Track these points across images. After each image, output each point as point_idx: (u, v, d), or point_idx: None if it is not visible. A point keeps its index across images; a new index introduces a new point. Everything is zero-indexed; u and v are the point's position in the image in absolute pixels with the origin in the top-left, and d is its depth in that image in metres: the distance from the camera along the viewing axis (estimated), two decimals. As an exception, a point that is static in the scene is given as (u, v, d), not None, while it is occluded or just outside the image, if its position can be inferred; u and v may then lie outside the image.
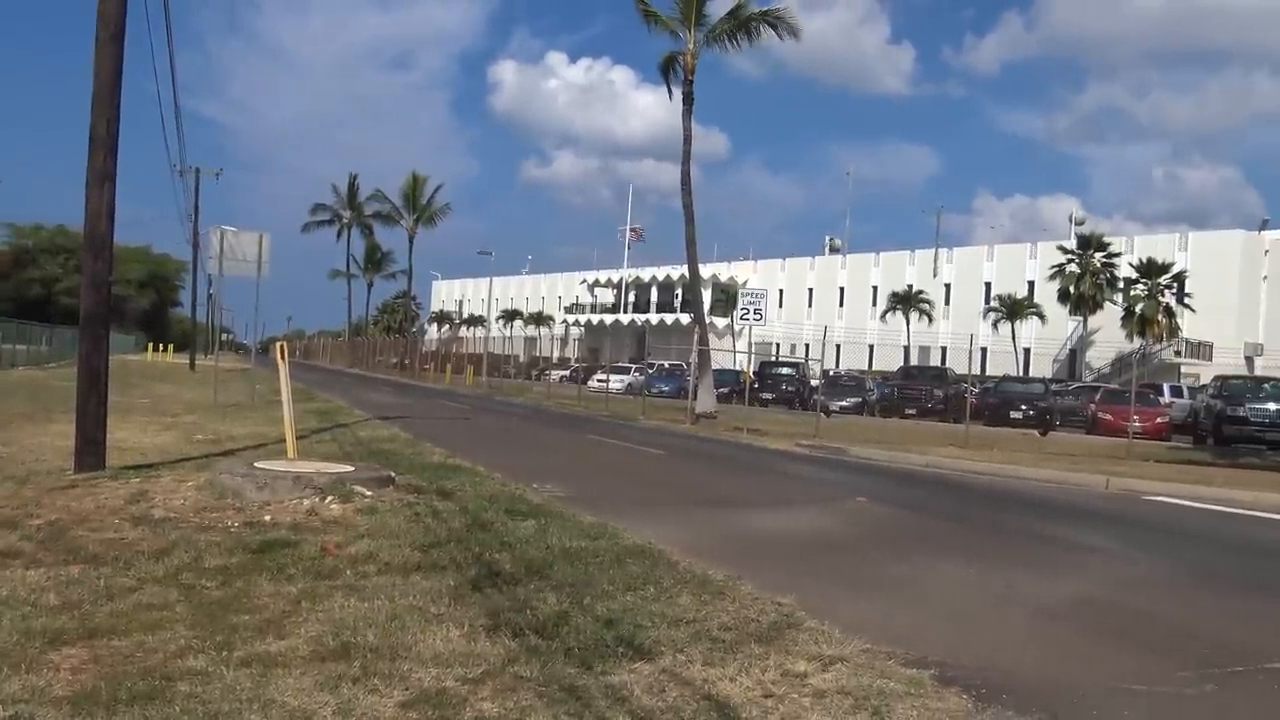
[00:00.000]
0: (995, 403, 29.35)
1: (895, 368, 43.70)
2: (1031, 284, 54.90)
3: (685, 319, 60.77)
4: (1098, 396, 30.01)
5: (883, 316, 57.85)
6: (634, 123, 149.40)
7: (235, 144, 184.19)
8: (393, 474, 8.30)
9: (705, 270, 54.95)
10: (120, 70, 8.48)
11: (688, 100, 25.07)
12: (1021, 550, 7.99)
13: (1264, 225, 54.33)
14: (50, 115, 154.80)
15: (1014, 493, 12.46)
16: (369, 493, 7.33)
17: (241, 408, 17.91)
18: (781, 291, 67.21)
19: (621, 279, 75.41)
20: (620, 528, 6.88)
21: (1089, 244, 47.88)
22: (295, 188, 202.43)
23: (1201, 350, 47.25)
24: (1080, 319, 49.33)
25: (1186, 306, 45.32)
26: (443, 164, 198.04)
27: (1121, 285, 46.79)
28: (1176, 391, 33.32)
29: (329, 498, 7.03)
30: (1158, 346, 46.38)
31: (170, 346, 63.94)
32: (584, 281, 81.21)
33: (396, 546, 5.81)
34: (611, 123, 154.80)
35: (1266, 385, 26.07)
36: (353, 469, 8.14)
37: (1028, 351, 51.53)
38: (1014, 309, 51.75)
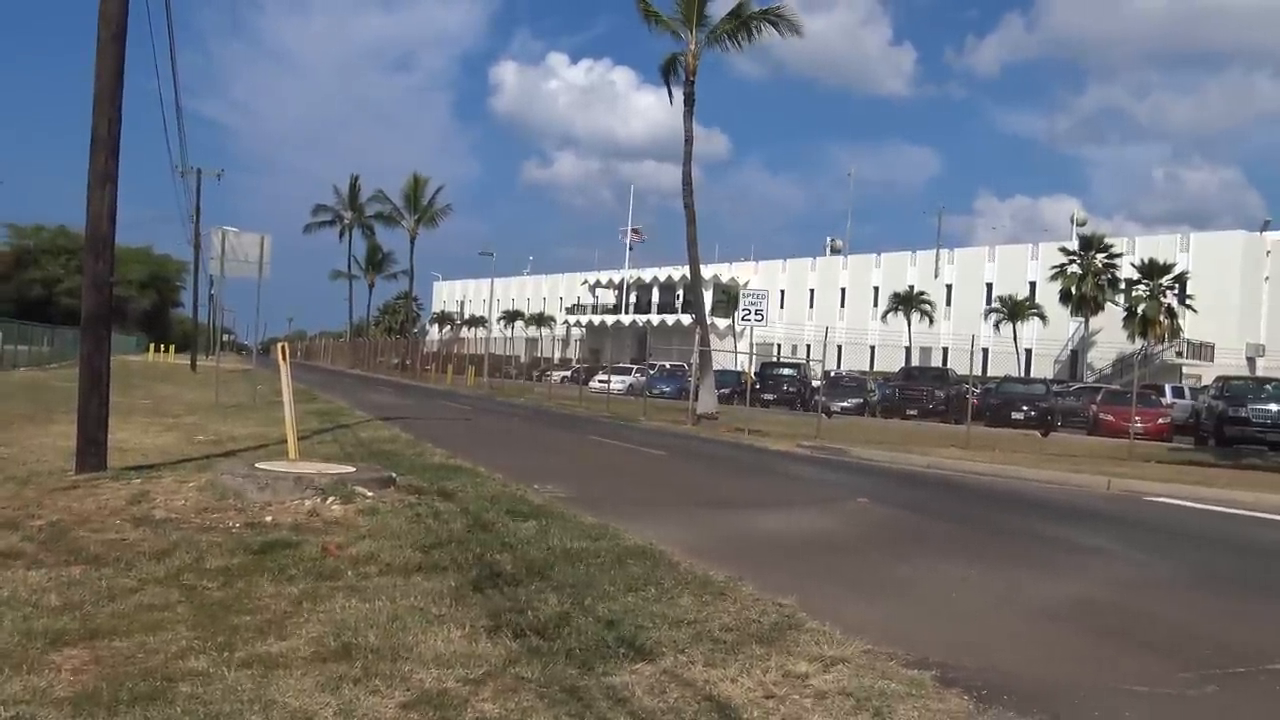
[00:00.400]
0: (997, 403, 29.31)
1: (897, 368, 43.67)
2: (1033, 285, 54.87)
3: (686, 320, 60.80)
4: (1099, 397, 29.99)
5: (884, 317, 57.86)
6: (635, 124, 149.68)
7: (237, 145, 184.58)
8: (394, 475, 8.29)
9: (706, 271, 54.98)
10: (122, 71, 8.49)
11: (689, 101, 25.05)
12: (1023, 551, 7.99)
13: (1265, 226, 54.33)
14: (52, 116, 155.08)
15: (1015, 493, 12.46)
16: (370, 494, 7.32)
17: (243, 408, 17.91)
18: (783, 292, 67.21)
19: (623, 280, 75.42)
20: (621, 528, 6.87)
21: (1090, 245, 47.85)
22: (297, 189, 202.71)
23: (1203, 351, 47.22)
24: (1081, 320, 49.30)
25: (1188, 307, 45.31)
26: (444, 165, 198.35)
27: (1123, 286, 46.76)
28: (1178, 392, 33.30)
29: (330, 498, 7.02)
30: (1159, 347, 46.35)
31: (172, 347, 64.00)
32: (585, 282, 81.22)
33: (398, 547, 5.81)
34: (612, 124, 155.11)
35: (1268, 386, 26.04)
36: (354, 470, 8.13)
37: (1029, 352, 51.49)
38: (1015, 310, 51.74)
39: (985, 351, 44.41)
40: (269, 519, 6.49)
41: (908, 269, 62.35)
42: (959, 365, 37.26)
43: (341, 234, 69.47)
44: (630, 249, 75.96)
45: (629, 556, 5.96)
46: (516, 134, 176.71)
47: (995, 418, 27.50)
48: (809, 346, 53.81)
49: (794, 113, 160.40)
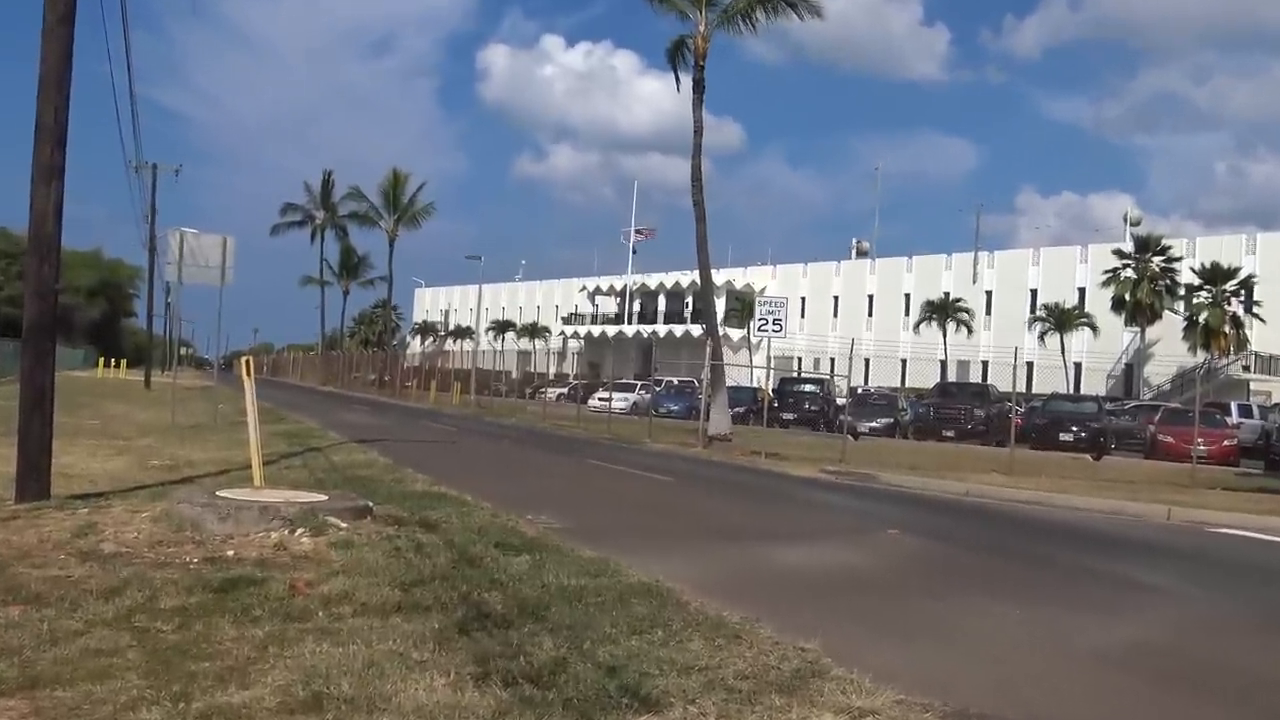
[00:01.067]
0: (1043, 423, 29.31)
1: (931, 384, 43.62)
2: (1082, 291, 54.88)
3: (696, 330, 60.79)
4: (1157, 417, 29.96)
5: (916, 327, 57.87)
6: (639, 113, 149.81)
7: (197, 137, 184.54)
8: (370, 504, 8.30)
9: (718, 276, 54.98)
10: (70, 55, 8.53)
11: (698, 88, 25.15)
12: (1072, 589, 7.97)
13: (1342, 225, 54.36)
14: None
15: (1064, 524, 12.43)
16: (344, 524, 7.33)
17: (202, 430, 17.95)
18: (804, 300, 67.30)
19: (625, 286, 75.57)
20: (624, 563, 6.87)
21: (1146, 246, 47.87)
22: (264, 186, 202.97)
23: (1273, 365, 47.17)
24: (1137, 330, 49.25)
25: (1255, 316, 45.25)
26: (427, 160, 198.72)
27: (1182, 292, 46.75)
28: (1245, 411, 33.23)
29: (299, 530, 7.03)
30: (1224, 360, 46.29)
31: (123, 362, 64.13)
32: (584, 289, 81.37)
33: (375, 585, 5.80)
34: (614, 113, 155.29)
35: (1346, 404, 25.99)
36: (326, 498, 8.14)
37: (1079, 366, 51.44)
38: (1063, 319, 51.74)
39: (1029, 365, 44.33)
40: (231, 553, 6.48)
41: (942, 273, 62.41)
42: (1000, 381, 37.26)
43: (313, 236, 69.68)
44: (634, 251, 76.10)
45: (633, 595, 5.96)
46: (508, 125, 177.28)
47: (1041, 439, 27.48)
48: (833, 360, 53.74)
49: (815, 100, 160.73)
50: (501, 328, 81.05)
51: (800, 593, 7.16)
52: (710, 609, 5.73)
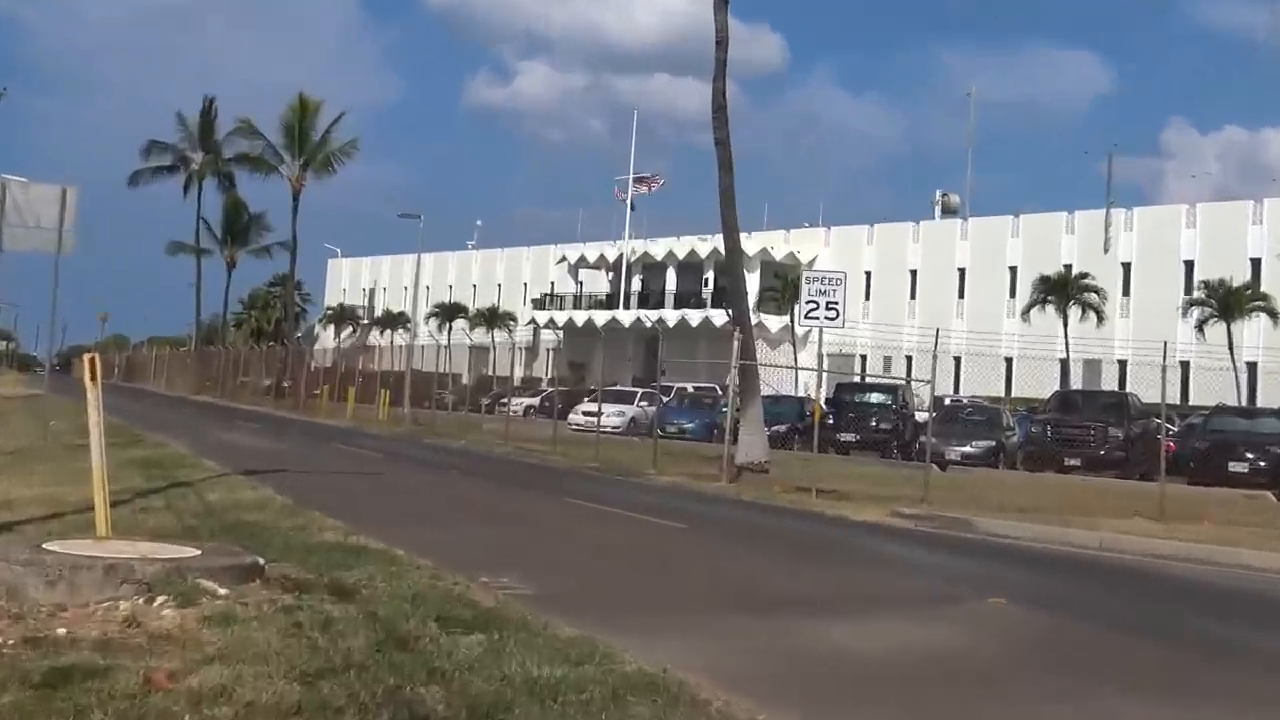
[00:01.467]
0: (1205, 448, 29.29)
1: (1047, 393, 43.68)
2: (1256, 262, 54.94)
3: (719, 317, 60.90)
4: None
5: (1026, 313, 57.86)
6: (639, 18, 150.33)
7: (29, 51, 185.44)
8: (261, 560, 8.28)
9: (751, 242, 55.00)
10: None
11: (722, -19, 25.14)
12: (1248, 682, 7.94)
13: None
14: None
15: (1236, 591, 12.46)
16: (223, 590, 7.30)
17: (26, 456, 17.98)
18: (868, 275, 67.43)
19: (620, 256, 75.70)
20: (617, 645, 6.88)
21: (1346, 201, 47.95)
22: (120, 119, 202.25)
23: None
24: (1334, 317, 49.35)
25: None
26: (347, 83, 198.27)
27: (1398, 265, 46.83)
28: None
29: (160, 598, 6.99)
30: None
31: (-79, 361, 64.46)
32: (563, 260, 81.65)
33: (265, 676, 5.77)
34: (604, 17, 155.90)
35: None
36: (198, 553, 8.11)
37: (1252, 367, 51.49)
38: (1230, 301, 51.73)
39: (1184, 366, 44.40)
40: (62, 631, 6.44)
41: (1062, 239, 62.48)
42: (1145, 389, 37.25)
43: (187, 186, 69.96)
44: (632, 208, 76.28)
45: (629, 690, 5.94)
46: (458, 34, 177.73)
47: (1203, 471, 27.47)
48: (909, 358, 53.80)
49: (883, 1, 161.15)
50: (448, 314, 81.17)
51: (867, 688, 7.16)
52: (739, 711, 5.74)
